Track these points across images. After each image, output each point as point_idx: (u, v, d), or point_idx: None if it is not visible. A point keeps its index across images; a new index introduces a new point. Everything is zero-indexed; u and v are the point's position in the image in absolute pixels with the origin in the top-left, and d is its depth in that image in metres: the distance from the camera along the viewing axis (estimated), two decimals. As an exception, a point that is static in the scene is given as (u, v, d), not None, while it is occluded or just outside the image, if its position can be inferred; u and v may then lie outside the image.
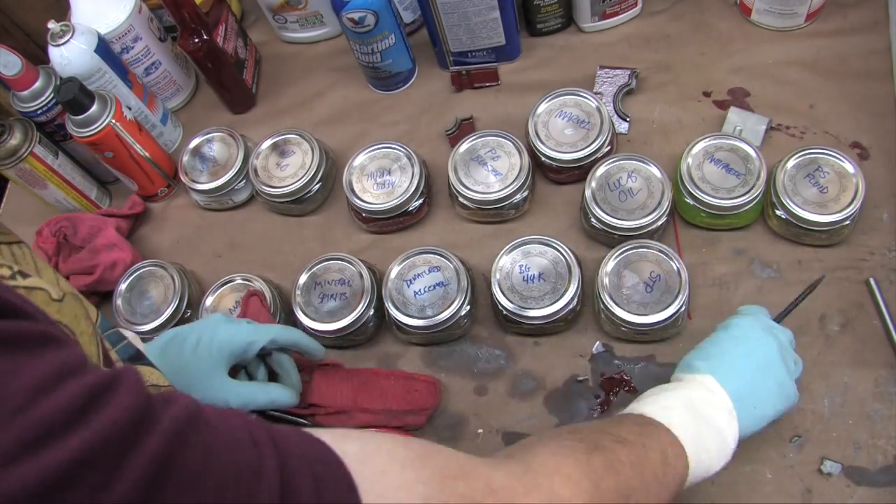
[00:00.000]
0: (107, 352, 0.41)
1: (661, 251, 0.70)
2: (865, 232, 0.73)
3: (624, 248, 0.71)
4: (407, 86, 0.96)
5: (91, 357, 0.38)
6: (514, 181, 0.78)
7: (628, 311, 0.69)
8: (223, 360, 0.64)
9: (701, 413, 0.55)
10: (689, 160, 0.75)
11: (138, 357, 0.50)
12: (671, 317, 0.68)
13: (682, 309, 0.68)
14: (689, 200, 0.74)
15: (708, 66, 0.86)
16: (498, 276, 0.73)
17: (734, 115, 0.80)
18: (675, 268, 0.69)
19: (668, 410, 0.55)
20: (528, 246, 0.74)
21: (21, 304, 0.30)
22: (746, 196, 0.72)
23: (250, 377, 0.70)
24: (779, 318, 0.64)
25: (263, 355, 0.69)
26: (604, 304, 0.70)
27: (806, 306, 0.71)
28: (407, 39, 0.91)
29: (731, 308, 0.72)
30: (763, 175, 0.72)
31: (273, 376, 0.71)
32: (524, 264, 0.73)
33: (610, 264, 0.71)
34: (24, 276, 0.36)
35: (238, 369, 0.68)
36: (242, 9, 1.09)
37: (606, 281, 0.70)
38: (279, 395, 0.66)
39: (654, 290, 0.69)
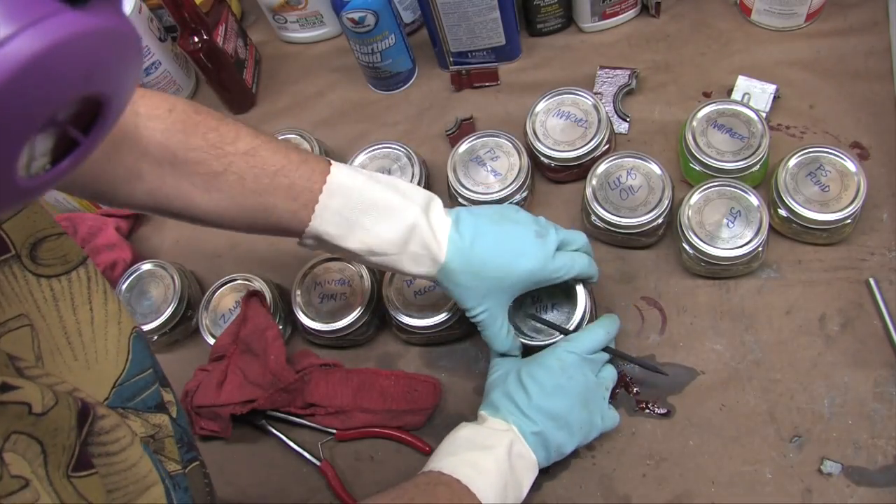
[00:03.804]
0: (84, 450, 0.39)
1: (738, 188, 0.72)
2: (865, 232, 0.73)
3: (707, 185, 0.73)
4: (407, 86, 0.96)
5: (57, 467, 0.36)
6: (513, 181, 0.78)
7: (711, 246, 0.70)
8: (516, 288, 0.64)
9: (511, 477, 0.59)
10: (694, 126, 0.76)
11: (159, 407, 0.50)
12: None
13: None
14: (696, 167, 0.75)
15: (708, 66, 0.86)
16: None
17: (742, 82, 0.81)
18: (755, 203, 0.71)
19: (483, 477, 0.57)
20: None
21: None
22: (752, 157, 0.73)
23: None
24: (611, 354, 0.68)
25: None
26: (688, 239, 0.71)
27: (806, 306, 0.71)
28: (407, 39, 0.91)
29: (731, 307, 0.72)
30: (767, 136, 0.74)
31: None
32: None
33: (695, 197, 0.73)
34: (6, 389, 0.34)
35: None
36: (242, 9, 1.09)
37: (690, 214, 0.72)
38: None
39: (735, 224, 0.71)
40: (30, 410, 0.35)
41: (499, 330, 0.65)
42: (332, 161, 0.61)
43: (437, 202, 0.62)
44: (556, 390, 0.62)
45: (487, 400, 0.64)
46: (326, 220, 0.58)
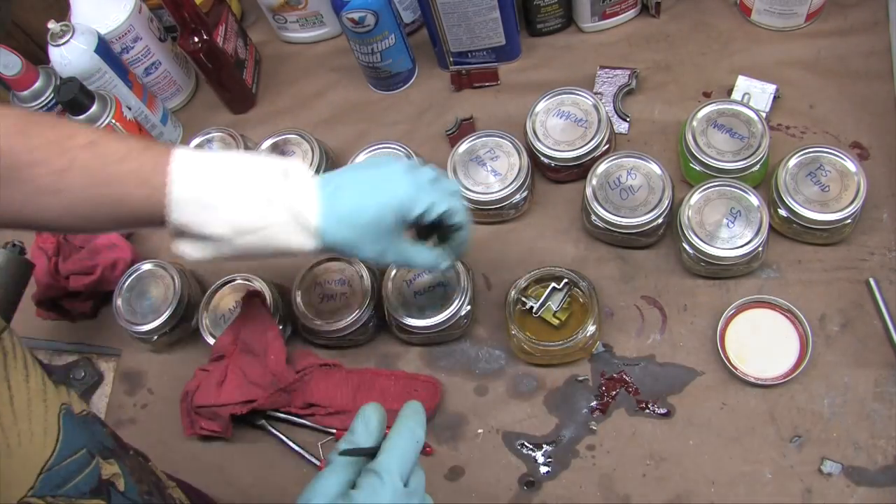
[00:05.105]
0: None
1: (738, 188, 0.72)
2: (865, 232, 0.73)
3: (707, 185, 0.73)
4: (407, 86, 0.96)
5: None
6: (513, 181, 0.78)
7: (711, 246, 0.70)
8: (400, 222, 0.60)
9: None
10: (694, 126, 0.76)
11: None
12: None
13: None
14: (696, 167, 0.76)
15: (708, 66, 0.86)
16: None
17: (742, 82, 0.81)
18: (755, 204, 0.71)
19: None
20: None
21: None
22: (752, 157, 0.73)
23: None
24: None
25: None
26: (688, 239, 0.71)
27: (806, 306, 0.71)
28: (407, 39, 0.91)
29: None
30: (767, 136, 0.74)
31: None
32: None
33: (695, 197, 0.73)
34: None
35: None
36: (242, 9, 1.09)
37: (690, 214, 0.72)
38: (444, 261, 0.65)
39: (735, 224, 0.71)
40: None
41: (417, 256, 0.62)
42: (174, 150, 0.56)
43: (297, 166, 0.58)
44: None
45: None
46: (182, 208, 0.54)
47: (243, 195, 0.55)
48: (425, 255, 0.63)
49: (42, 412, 0.43)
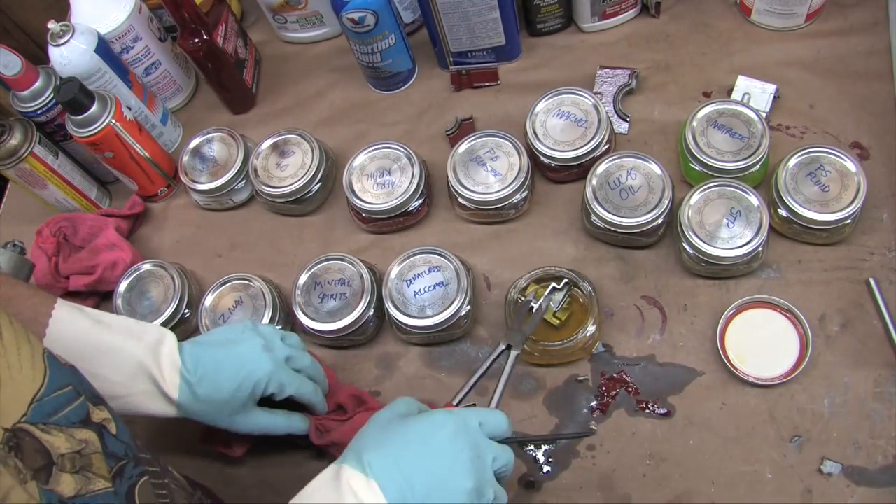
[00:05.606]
0: None
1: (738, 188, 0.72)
2: (865, 232, 0.73)
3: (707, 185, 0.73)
4: (407, 86, 0.96)
5: None
6: (513, 181, 0.78)
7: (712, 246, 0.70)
8: (255, 398, 0.67)
9: None
10: (694, 126, 0.76)
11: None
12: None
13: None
14: (696, 167, 0.76)
15: (708, 66, 0.86)
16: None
17: (742, 82, 0.81)
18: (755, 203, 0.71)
19: None
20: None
21: None
22: (752, 157, 0.73)
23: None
24: (508, 441, 0.59)
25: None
26: (688, 239, 0.71)
27: (806, 306, 0.71)
28: (407, 39, 0.91)
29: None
30: (767, 136, 0.74)
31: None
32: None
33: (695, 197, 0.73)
34: None
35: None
36: (242, 9, 1.09)
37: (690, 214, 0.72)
38: (297, 424, 0.70)
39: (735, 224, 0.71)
40: None
41: (271, 423, 0.68)
42: (58, 300, 0.61)
43: (169, 339, 0.65)
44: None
45: (352, 447, 0.56)
46: None
47: (110, 365, 0.60)
48: (278, 421, 0.69)
49: (29, 350, 0.46)
